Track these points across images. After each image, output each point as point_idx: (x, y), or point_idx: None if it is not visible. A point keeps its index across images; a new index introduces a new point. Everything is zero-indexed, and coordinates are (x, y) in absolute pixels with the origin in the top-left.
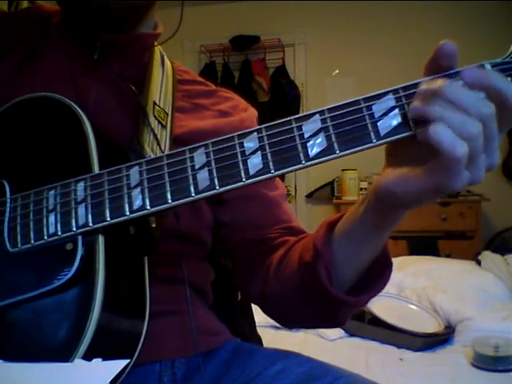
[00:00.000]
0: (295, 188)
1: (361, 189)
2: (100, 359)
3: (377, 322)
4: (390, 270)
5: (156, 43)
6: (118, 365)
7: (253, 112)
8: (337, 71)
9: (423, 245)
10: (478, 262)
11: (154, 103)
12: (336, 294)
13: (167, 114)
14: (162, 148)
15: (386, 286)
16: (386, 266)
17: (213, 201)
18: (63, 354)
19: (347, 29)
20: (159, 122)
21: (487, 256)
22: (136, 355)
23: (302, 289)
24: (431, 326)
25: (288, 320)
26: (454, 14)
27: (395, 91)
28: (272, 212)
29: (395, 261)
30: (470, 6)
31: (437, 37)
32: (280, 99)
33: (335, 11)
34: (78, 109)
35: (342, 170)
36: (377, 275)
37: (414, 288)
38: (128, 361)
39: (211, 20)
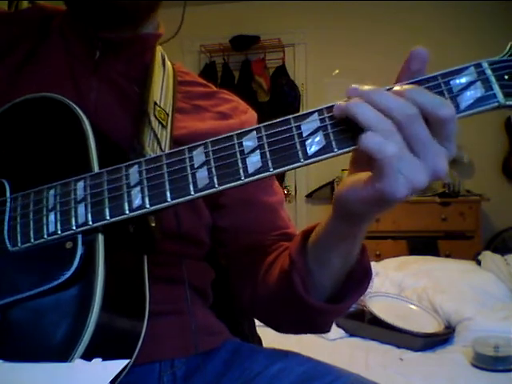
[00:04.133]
0: (295, 188)
1: None
2: (100, 359)
3: (377, 321)
4: (368, 279)
5: (157, 44)
6: (118, 365)
7: (253, 114)
8: (337, 71)
9: (423, 245)
10: (478, 262)
11: (155, 103)
12: (311, 302)
13: (168, 115)
14: (163, 148)
15: (363, 294)
16: (365, 275)
17: (211, 205)
18: (62, 353)
19: (347, 29)
20: (159, 122)
21: (487, 256)
22: (135, 355)
23: (280, 297)
24: (431, 326)
25: (275, 326)
26: (455, 14)
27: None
28: (269, 218)
29: (395, 261)
30: (470, 6)
31: (437, 37)
32: (280, 99)
33: (335, 11)
34: (77, 108)
35: (342, 170)
36: (355, 284)
37: (414, 288)
38: (128, 361)
39: (211, 20)
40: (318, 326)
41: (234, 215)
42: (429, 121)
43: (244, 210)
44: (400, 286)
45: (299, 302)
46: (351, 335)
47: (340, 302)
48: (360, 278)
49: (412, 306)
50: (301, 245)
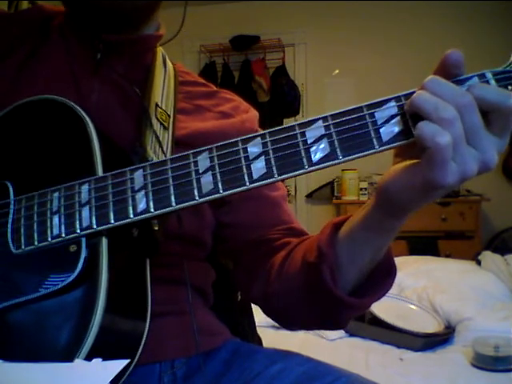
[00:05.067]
0: (295, 188)
1: (361, 189)
2: (100, 359)
3: (377, 321)
4: (393, 275)
5: (158, 44)
6: (118, 365)
7: (254, 113)
8: (337, 71)
9: (423, 245)
10: (478, 262)
11: (156, 105)
12: (340, 295)
13: (169, 116)
14: (164, 150)
15: (388, 291)
16: (390, 271)
17: (215, 202)
18: (66, 356)
19: (347, 29)
20: (161, 123)
21: (487, 256)
22: (138, 356)
23: (304, 289)
24: (431, 325)
25: (289, 321)
26: (455, 14)
27: (397, 98)
28: (273, 212)
29: (395, 261)
30: (470, 6)
31: (437, 37)
32: (280, 99)
33: (335, 11)
34: (81, 111)
35: (342, 170)
36: (380, 280)
37: (414, 288)
38: (128, 360)
39: (211, 20)
40: (339, 321)
41: (238, 211)
42: (490, 112)
43: (248, 205)
44: (400, 285)
45: (327, 296)
46: (351, 335)
47: (363, 297)
48: (385, 274)
49: (412, 306)
50: (331, 236)
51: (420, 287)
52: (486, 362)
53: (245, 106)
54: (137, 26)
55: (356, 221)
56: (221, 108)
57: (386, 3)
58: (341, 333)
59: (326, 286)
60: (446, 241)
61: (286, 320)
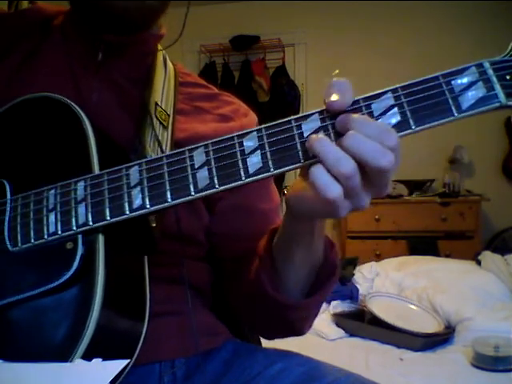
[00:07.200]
0: None
1: None
2: (100, 359)
3: (377, 321)
4: (335, 274)
5: (159, 45)
6: (118, 365)
7: (253, 117)
8: (337, 71)
9: (423, 245)
10: (478, 262)
11: (156, 104)
12: (278, 297)
13: (168, 116)
14: (164, 149)
15: (331, 289)
16: (333, 270)
17: (209, 209)
18: (63, 353)
19: (347, 29)
20: (160, 122)
21: (487, 256)
22: (135, 355)
23: (254, 297)
24: (431, 325)
25: (259, 332)
26: (455, 14)
27: (394, 90)
28: (262, 226)
29: (395, 261)
30: (470, 6)
31: (437, 37)
32: (280, 99)
33: (335, 11)
34: (78, 109)
35: None
36: (323, 279)
37: (414, 288)
38: (128, 361)
39: (211, 20)
40: (292, 325)
41: (227, 222)
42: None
43: (238, 216)
44: (400, 285)
45: (267, 299)
46: (351, 335)
47: (306, 298)
48: (327, 273)
49: (412, 306)
50: (268, 243)
51: (420, 287)
52: (486, 362)
53: (244, 109)
54: (146, 29)
55: (280, 227)
56: (220, 110)
57: (386, 3)
58: (341, 333)
59: (264, 290)
60: (445, 241)
61: (257, 331)
